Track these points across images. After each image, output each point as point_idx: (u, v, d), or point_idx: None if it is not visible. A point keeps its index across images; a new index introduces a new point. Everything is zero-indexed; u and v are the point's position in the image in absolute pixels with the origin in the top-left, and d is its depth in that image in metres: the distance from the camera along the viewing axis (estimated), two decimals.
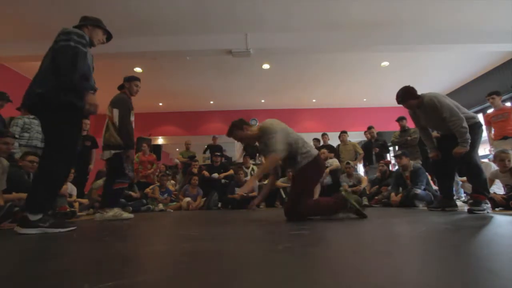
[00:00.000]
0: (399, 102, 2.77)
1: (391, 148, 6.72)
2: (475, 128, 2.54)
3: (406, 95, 2.70)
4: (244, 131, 2.19)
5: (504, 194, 2.87)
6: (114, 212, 2.70)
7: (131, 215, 2.84)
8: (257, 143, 2.26)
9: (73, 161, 1.79)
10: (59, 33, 1.74)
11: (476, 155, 2.52)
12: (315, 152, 2.19)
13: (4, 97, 3.49)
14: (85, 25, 1.95)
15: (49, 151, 1.73)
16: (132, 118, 2.84)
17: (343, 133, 5.78)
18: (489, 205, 2.44)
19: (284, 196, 4.82)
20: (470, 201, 2.51)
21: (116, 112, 2.77)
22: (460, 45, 4.97)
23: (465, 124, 2.42)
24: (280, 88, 7.34)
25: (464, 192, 4.36)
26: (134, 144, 2.86)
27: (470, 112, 2.68)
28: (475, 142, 2.49)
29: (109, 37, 2.15)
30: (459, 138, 2.43)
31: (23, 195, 2.18)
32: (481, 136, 2.62)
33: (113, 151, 2.72)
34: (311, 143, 6.22)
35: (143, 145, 5.76)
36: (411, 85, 2.75)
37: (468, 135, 2.40)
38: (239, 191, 2.03)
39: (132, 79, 3.00)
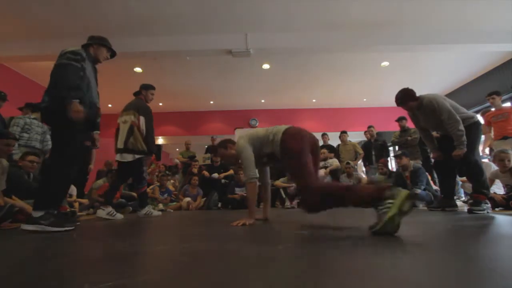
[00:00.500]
0: (398, 105, 2.77)
1: (391, 149, 6.72)
2: (474, 127, 2.53)
3: (405, 97, 2.70)
4: (227, 150, 2.18)
5: (504, 194, 2.88)
6: (109, 211, 2.77)
7: (121, 216, 2.90)
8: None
9: (75, 162, 1.90)
10: (59, 55, 1.94)
11: (477, 155, 2.52)
12: (282, 128, 1.93)
13: (1, 96, 3.48)
14: (91, 44, 2.16)
15: (53, 154, 1.92)
16: None
17: (343, 133, 5.79)
18: (489, 205, 2.44)
19: (284, 196, 4.82)
20: (470, 201, 2.51)
21: (143, 119, 2.94)
22: (460, 45, 4.97)
23: (461, 127, 2.43)
24: (280, 88, 7.34)
25: (464, 192, 4.37)
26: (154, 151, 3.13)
27: (469, 112, 2.69)
28: (474, 141, 2.49)
29: (113, 54, 2.32)
30: (455, 141, 2.45)
31: (27, 206, 2.24)
32: (480, 135, 2.62)
33: (137, 156, 2.87)
34: None
35: None
36: (409, 87, 2.76)
37: (464, 138, 2.41)
38: (247, 222, 1.83)
39: (149, 88, 3.20)
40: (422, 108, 2.64)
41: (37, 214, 1.69)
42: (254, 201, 2.03)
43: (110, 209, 2.79)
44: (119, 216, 2.84)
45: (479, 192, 2.42)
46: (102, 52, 2.19)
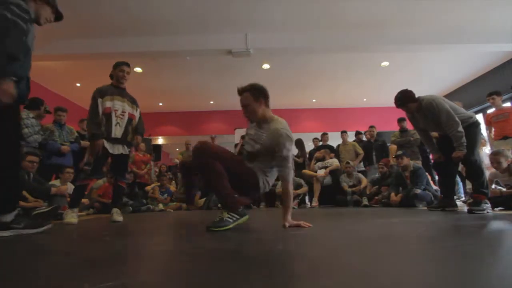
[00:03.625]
0: (398, 106, 2.76)
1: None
2: (473, 127, 2.54)
3: (405, 99, 2.69)
4: (258, 104, 1.84)
5: (504, 191, 2.88)
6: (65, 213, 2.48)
7: (75, 221, 2.53)
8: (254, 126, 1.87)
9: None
10: None
11: (477, 155, 2.52)
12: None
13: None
14: None
15: None
16: None
17: (344, 132, 5.79)
18: (489, 205, 2.44)
19: None
20: (470, 201, 2.51)
21: (139, 112, 2.75)
22: (460, 45, 4.97)
23: (460, 129, 2.42)
24: (280, 88, 7.33)
25: (464, 192, 4.36)
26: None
27: (468, 112, 2.69)
28: (474, 141, 2.49)
29: (58, 16, 1.83)
30: (455, 142, 2.44)
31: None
32: (479, 135, 2.62)
33: (128, 149, 2.64)
34: (311, 143, 6.23)
35: (141, 145, 5.75)
36: (408, 88, 2.76)
37: (463, 139, 2.41)
38: (287, 223, 1.66)
39: (117, 65, 2.62)
40: (421, 109, 2.64)
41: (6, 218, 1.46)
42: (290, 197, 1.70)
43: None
44: (68, 220, 2.66)
45: (479, 191, 2.42)
46: (46, 11, 1.71)
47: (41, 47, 4.60)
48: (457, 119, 2.45)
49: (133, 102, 2.70)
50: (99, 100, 2.47)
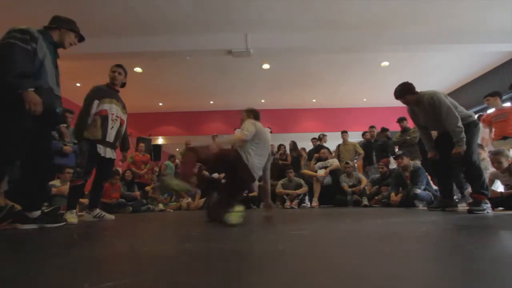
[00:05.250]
0: (397, 97, 2.80)
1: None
2: (472, 126, 2.54)
3: (404, 90, 2.73)
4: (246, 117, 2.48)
5: (504, 192, 2.88)
6: (97, 212, 2.65)
7: (112, 217, 2.77)
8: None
9: (3, 163, 1.71)
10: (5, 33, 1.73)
11: (475, 155, 2.52)
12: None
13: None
14: (57, 28, 1.95)
15: None
16: None
17: (344, 132, 5.79)
18: (489, 205, 2.44)
19: (284, 196, 4.82)
20: (470, 201, 2.51)
21: (126, 117, 2.77)
22: (460, 45, 4.97)
23: (460, 124, 2.43)
24: (280, 88, 7.34)
25: (459, 192, 4.35)
26: None
27: (467, 111, 2.69)
28: (472, 140, 2.50)
29: (81, 39, 2.12)
30: (454, 138, 2.44)
31: None
32: (478, 134, 2.62)
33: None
34: (310, 143, 6.23)
35: (140, 145, 5.76)
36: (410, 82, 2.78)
37: (463, 135, 2.41)
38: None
39: (111, 68, 2.71)
40: (422, 104, 2.65)
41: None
42: (228, 142, 2.32)
43: (97, 211, 2.67)
44: (109, 217, 2.73)
45: (479, 192, 2.42)
46: (69, 37, 2.00)
47: None
48: (457, 114, 2.46)
49: (123, 107, 2.75)
50: (96, 102, 2.49)
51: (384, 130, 5.63)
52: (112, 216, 2.77)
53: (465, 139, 2.40)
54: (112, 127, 2.55)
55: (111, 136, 2.54)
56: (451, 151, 2.47)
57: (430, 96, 2.57)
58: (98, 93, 2.55)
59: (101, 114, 2.48)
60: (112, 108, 2.55)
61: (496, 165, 2.95)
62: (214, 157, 1.99)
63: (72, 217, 2.27)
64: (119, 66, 2.71)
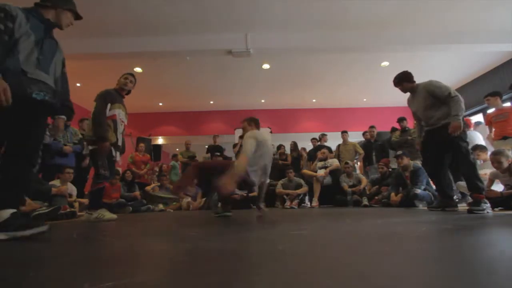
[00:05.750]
0: (395, 84, 2.93)
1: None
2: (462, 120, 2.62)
3: (402, 77, 2.88)
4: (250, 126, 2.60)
5: (504, 192, 2.88)
6: (98, 213, 2.56)
7: (115, 216, 2.67)
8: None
9: None
10: None
11: (467, 151, 2.57)
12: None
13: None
14: (52, 7, 1.66)
15: None
16: None
17: (344, 132, 5.79)
18: (489, 204, 2.44)
19: (285, 196, 4.82)
20: (470, 201, 2.51)
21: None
22: (460, 45, 4.97)
23: (459, 96, 2.60)
24: (280, 88, 7.34)
25: (459, 192, 4.35)
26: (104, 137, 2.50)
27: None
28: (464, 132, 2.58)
29: (77, 17, 1.86)
30: (453, 111, 2.52)
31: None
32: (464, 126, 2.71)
33: (90, 147, 2.52)
34: (310, 143, 6.23)
35: (140, 145, 5.76)
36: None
37: (463, 105, 2.55)
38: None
39: (123, 75, 2.75)
40: (418, 90, 2.78)
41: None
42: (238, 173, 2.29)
43: (97, 213, 2.57)
44: (109, 216, 2.64)
45: (474, 184, 2.45)
46: (66, 16, 1.75)
47: None
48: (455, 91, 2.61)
49: (126, 112, 2.84)
50: (108, 105, 2.57)
51: (394, 130, 5.56)
52: (114, 216, 2.68)
53: (463, 112, 2.52)
54: (120, 132, 2.69)
55: (120, 140, 2.68)
56: (441, 150, 2.54)
57: (428, 82, 2.74)
58: (110, 97, 2.61)
59: (113, 119, 2.58)
60: (120, 114, 2.67)
61: (496, 165, 2.95)
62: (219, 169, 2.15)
63: (108, 214, 2.46)
64: (131, 74, 2.82)
